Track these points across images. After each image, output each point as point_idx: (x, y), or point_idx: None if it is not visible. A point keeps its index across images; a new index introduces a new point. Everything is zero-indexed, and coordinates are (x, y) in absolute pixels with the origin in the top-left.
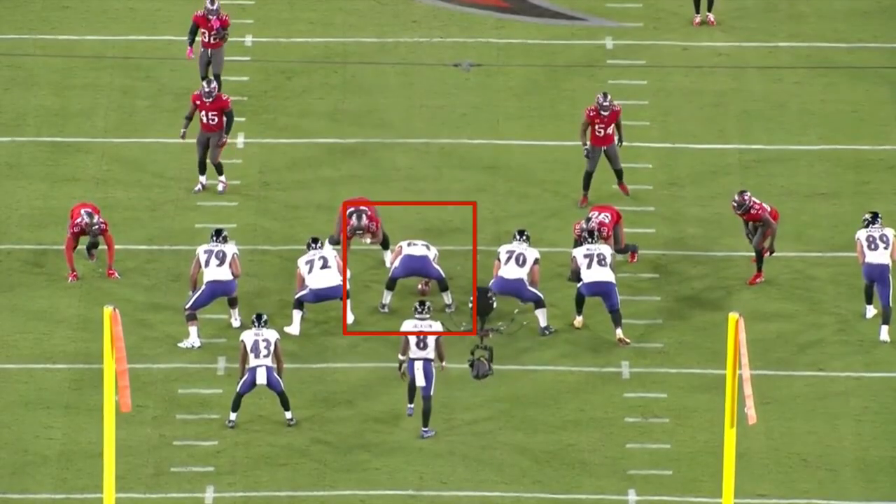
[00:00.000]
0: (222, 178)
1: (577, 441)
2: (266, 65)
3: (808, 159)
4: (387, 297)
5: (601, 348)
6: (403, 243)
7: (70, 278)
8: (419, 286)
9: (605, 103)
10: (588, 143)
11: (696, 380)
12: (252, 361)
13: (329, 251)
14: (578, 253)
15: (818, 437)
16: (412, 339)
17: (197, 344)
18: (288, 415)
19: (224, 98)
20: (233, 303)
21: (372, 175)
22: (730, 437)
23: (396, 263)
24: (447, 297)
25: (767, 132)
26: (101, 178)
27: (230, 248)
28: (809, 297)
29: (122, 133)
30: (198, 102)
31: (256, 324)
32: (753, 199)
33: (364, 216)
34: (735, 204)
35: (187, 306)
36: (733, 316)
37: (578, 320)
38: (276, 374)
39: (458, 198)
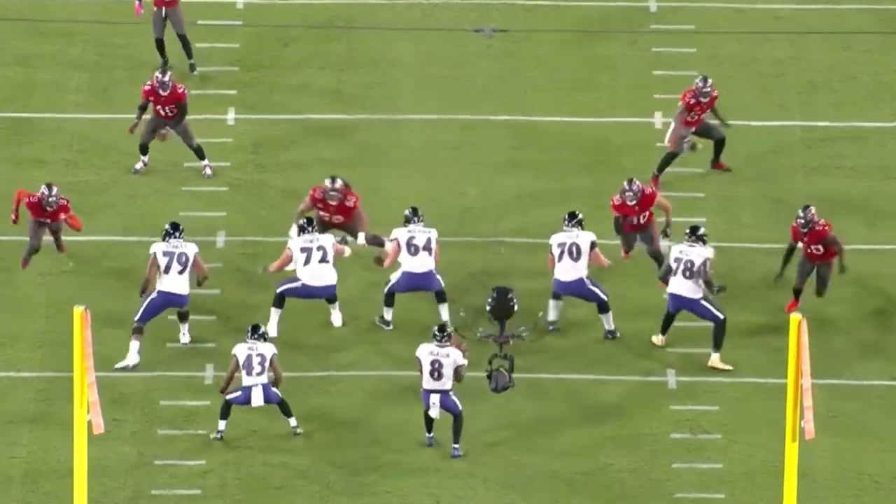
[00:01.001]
0: (206, 161)
1: (615, 461)
2: (260, 30)
3: (881, 137)
4: (388, 314)
5: (644, 354)
6: (402, 236)
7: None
8: (337, 240)
9: (705, 88)
10: (689, 133)
11: (752, 390)
12: (245, 380)
13: (328, 240)
14: (674, 251)
15: (892, 455)
16: (426, 368)
17: (133, 362)
18: (292, 422)
19: (180, 90)
20: (183, 317)
21: (380, 156)
22: (791, 454)
23: (395, 278)
24: (444, 312)
25: (834, 107)
26: (72, 159)
27: (191, 248)
28: (883, 294)
29: (96, 108)
30: (151, 98)
31: (251, 335)
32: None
33: (339, 180)
34: (800, 221)
35: (136, 318)
36: (796, 317)
37: (660, 339)
38: (272, 388)
39: (479, 181)
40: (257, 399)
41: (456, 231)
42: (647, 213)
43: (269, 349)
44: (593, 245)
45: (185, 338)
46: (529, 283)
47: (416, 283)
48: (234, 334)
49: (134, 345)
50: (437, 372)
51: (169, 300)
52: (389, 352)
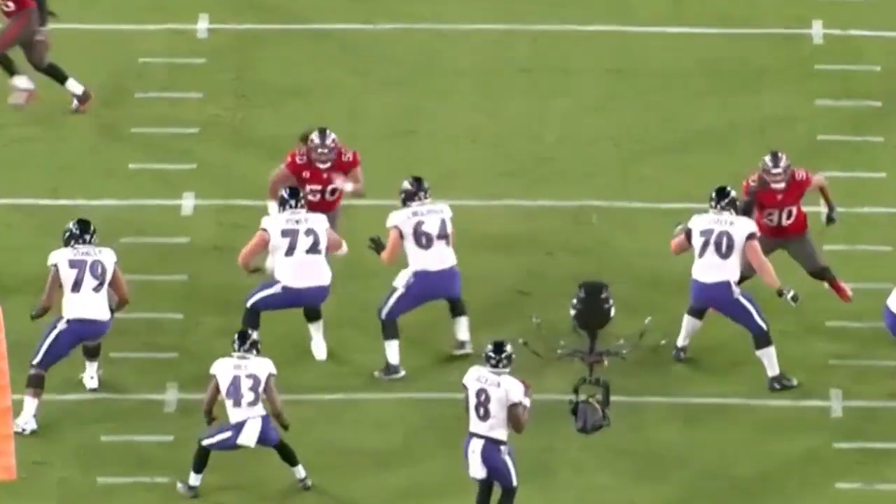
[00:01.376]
0: (72, 85)
1: None
2: None
3: None
4: (393, 355)
5: (794, 366)
6: (404, 223)
7: None
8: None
9: None
10: None
11: None
12: (233, 414)
13: (319, 220)
14: None
15: None
16: (471, 402)
17: (29, 427)
18: (299, 472)
19: None
20: (92, 353)
21: (417, 83)
22: None
23: (406, 280)
24: (463, 330)
25: None
26: None
27: (108, 256)
28: None
29: None
30: None
31: (238, 346)
32: None
33: (332, 134)
34: None
35: (35, 361)
36: None
37: None
38: (270, 425)
39: (562, 120)
40: (249, 437)
41: (525, 192)
42: (796, 208)
43: (263, 367)
44: (751, 237)
45: (91, 381)
46: (633, 272)
47: (433, 285)
48: (206, 342)
49: (30, 403)
50: (482, 407)
51: (83, 331)
52: (424, 366)
